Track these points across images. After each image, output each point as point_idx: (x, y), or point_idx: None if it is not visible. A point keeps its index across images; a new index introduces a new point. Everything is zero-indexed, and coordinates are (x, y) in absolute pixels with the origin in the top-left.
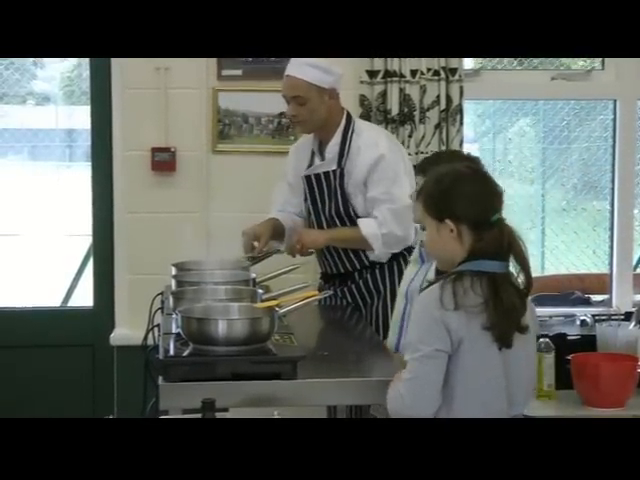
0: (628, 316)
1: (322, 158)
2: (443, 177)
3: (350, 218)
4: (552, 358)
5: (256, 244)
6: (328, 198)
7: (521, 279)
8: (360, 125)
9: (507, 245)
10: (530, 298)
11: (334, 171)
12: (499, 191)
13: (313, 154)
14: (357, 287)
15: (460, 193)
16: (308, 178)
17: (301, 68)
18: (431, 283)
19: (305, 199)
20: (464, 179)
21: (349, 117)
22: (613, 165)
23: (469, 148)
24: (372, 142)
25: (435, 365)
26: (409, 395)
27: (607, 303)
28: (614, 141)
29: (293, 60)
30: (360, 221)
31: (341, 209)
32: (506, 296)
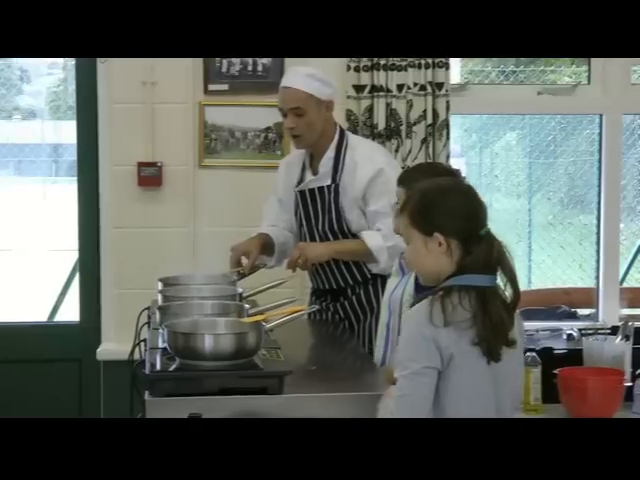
0: (615, 330)
1: (314, 173)
2: (429, 191)
3: (344, 233)
4: (539, 372)
5: (244, 261)
6: (322, 213)
7: (509, 292)
8: (353, 139)
9: (496, 259)
10: (517, 312)
11: (329, 186)
12: (483, 205)
13: (304, 169)
14: (350, 303)
15: (448, 206)
16: (302, 193)
17: (299, 79)
18: (419, 299)
19: (296, 214)
20: (451, 192)
21: (342, 131)
22: (599, 179)
23: (456, 162)
24: (368, 156)
25: (425, 382)
26: (400, 412)
27: (594, 317)
28: (600, 155)
29: (290, 71)
30: (365, 234)
31: (335, 225)
32: (494, 310)
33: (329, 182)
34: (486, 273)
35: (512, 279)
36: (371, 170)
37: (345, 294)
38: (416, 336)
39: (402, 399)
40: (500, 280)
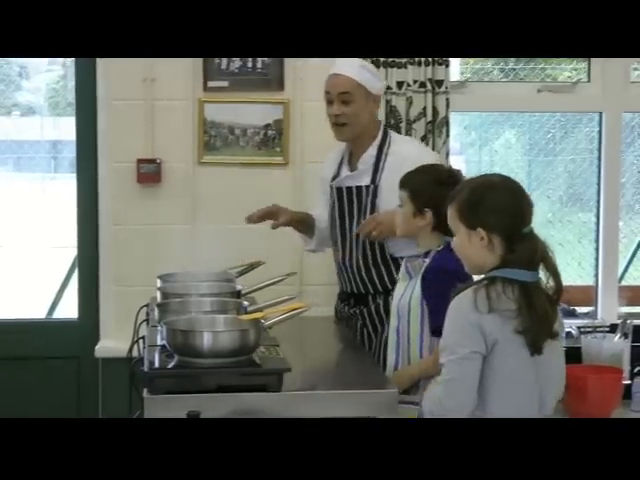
0: (613, 328)
1: (351, 169)
2: (478, 186)
3: None
4: None
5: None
6: (357, 213)
7: (551, 286)
8: (397, 138)
9: (539, 257)
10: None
11: (367, 187)
12: (530, 203)
13: (341, 163)
14: (369, 312)
15: (494, 203)
16: (338, 190)
17: (352, 67)
18: (463, 289)
19: (332, 208)
20: (498, 190)
21: (385, 130)
22: (599, 177)
23: (455, 160)
24: (417, 154)
25: (471, 367)
26: (447, 396)
27: (592, 315)
28: (600, 153)
29: (341, 60)
30: None
31: None
32: (539, 303)
33: (367, 182)
34: (529, 269)
35: (555, 274)
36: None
37: (366, 302)
38: (462, 322)
39: (451, 382)
40: (543, 275)
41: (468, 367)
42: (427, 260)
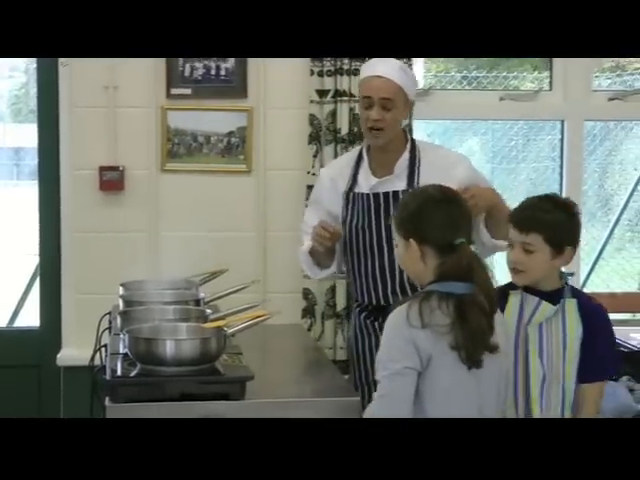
0: None
1: (378, 175)
2: (414, 198)
3: None
4: None
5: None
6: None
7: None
8: (421, 142)
9: (467, 268)
10: (499, 314)
11: (404, 191)
12: (467, 215)
13: (356, 173)
14: (380, 325)
15: (427, 215)
16: (375, 196)
17: (393, 70)
18: (400, 303)
19: (349, 220)
20: (432, 202)
21: (411, 134)
22: (561, 184)
23: None
24: (452, 157)
25: (404, 382)
26: (381, 412)
27: None
28: (561, 161)
29: (378, 60)
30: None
31: None
32: (473, 317)
33: (404, 186)
34: (463, 281)
35: (485, 287)
36: (463, 170)
37: (385, 314)
38: (395, 336)
39: (383, 399)
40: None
41: (401, 382)
42: (568, 299)
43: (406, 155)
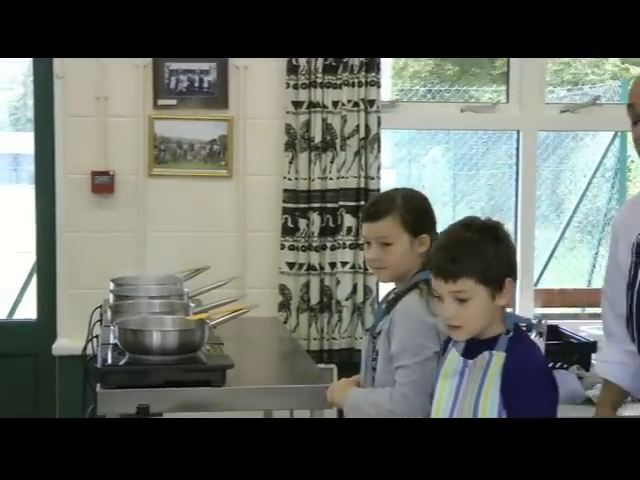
0: (529, 327)
1: None
2: (414, 197)
3: None
4: None
5: None
6: None
7: None
8: None
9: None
10: None
11: None
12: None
13: None
14: None
15: (429, 211)
16: None
17: None
18: (403, 293)
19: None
20: (426, 199)
21: None
22: (517, 190)
23: (387, 174)
24: None
25: (433, 367)
26: (416, 399)
27: None
28: (517, 168)
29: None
30: None
31: None
32: None
33: None
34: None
35: None
36: None
37: None
38: (420, 324)
39: (416, 384)
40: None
41: (431, 368)
42: (496, 353)
43: None
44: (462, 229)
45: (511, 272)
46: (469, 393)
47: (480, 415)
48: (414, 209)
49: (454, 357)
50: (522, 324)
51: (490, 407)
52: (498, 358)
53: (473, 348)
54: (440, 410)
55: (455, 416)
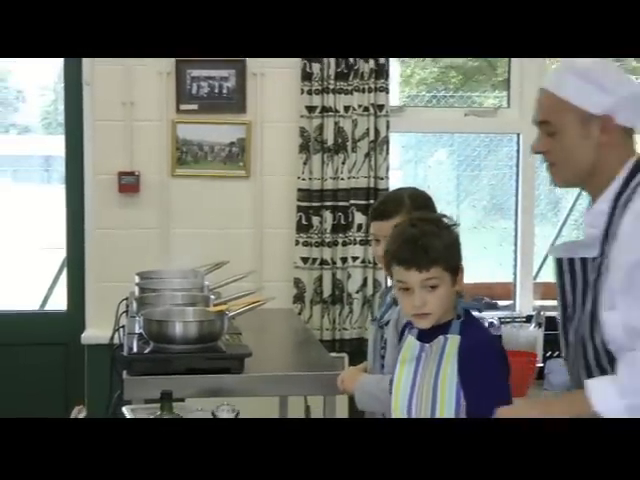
0: (529, 319)
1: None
2: (419, 196)
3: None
4: None
5: None
6: (582, 295)
7: None
8: None
9: None
10: None
11: (594, 260)
12: None
13: None
14: None
15: (433, 209)
16: (558, 261)
17: (560, 77)
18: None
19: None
20: (430, 198)
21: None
22: (517, 189)
23: (394, 175)
24: None
25: None
26: None
27: (511, 308)
28: (517, 169)
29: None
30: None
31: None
32: None
33: (595, 254)
34: None
35: None
36: None
37: None
38: None
39: None
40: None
41: None
42: (451, 336)
43: (602, 205)
44: (417, 223)
45: (461, 259)
46: (427, 375)
47: (439, 395)
48: (420, 208)
49: (411, 342)
50: (473, 309)
51: (449, 387)
52: (453, 341)
53: (427, 333)
54: (400, 394)
55: (415, 398)
